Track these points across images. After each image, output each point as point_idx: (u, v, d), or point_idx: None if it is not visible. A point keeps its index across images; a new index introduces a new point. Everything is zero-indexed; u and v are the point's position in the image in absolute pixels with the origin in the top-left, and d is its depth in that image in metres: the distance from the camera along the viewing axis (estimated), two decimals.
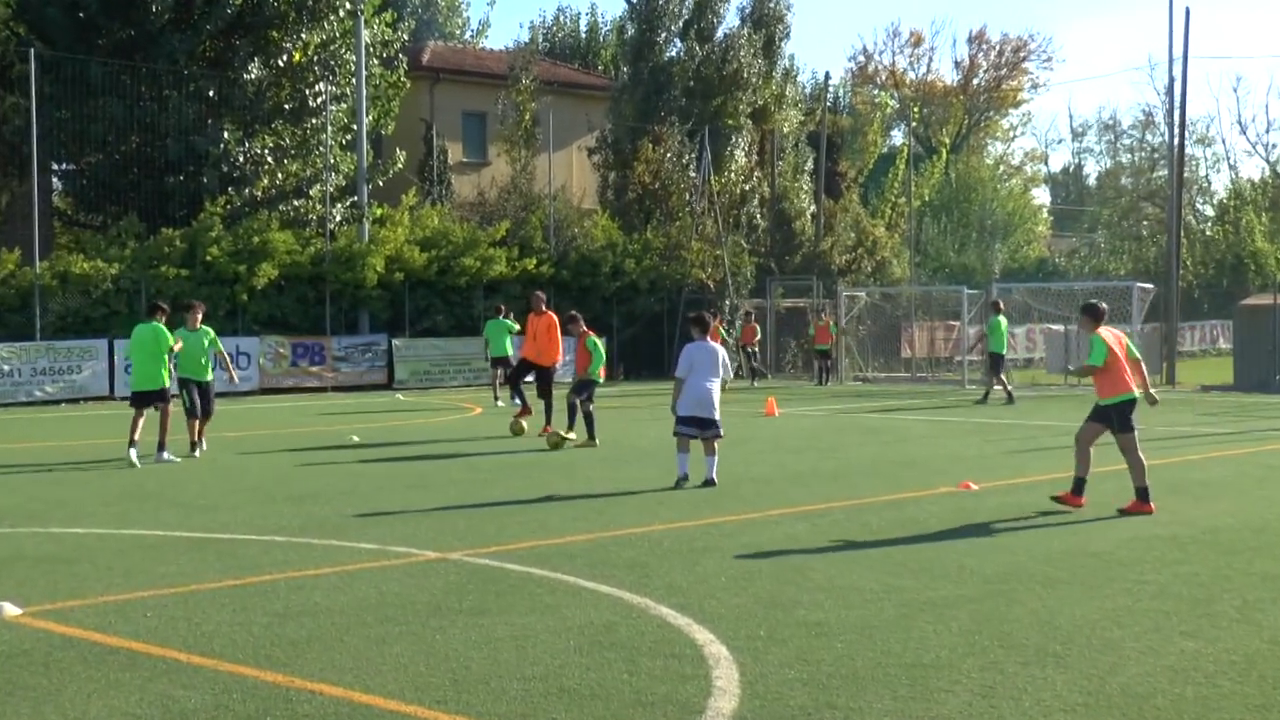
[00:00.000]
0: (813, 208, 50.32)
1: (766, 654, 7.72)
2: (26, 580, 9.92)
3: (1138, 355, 13.87)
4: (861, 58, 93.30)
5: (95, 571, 10.30)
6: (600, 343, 20.77)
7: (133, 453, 18.19)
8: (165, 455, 18.55)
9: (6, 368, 31.51)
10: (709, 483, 15.31)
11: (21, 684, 7.11)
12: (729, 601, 9.11)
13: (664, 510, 13.53)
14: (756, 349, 40.07)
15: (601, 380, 20.65)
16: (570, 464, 17.90)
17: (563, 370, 29.60)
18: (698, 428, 15.45)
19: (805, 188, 50.97)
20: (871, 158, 65.54)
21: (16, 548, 11.43)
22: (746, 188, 48.31)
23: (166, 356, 18.81)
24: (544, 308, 22.55)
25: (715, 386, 15.62)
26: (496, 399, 30.24)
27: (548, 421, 21.43)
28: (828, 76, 72.44)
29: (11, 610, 8.68)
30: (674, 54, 48.23)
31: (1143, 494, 13.36)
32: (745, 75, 48.13)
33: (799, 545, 11.49)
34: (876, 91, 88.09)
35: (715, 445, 15.56)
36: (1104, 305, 14.07)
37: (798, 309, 45.20)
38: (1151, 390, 14.02)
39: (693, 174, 45.75)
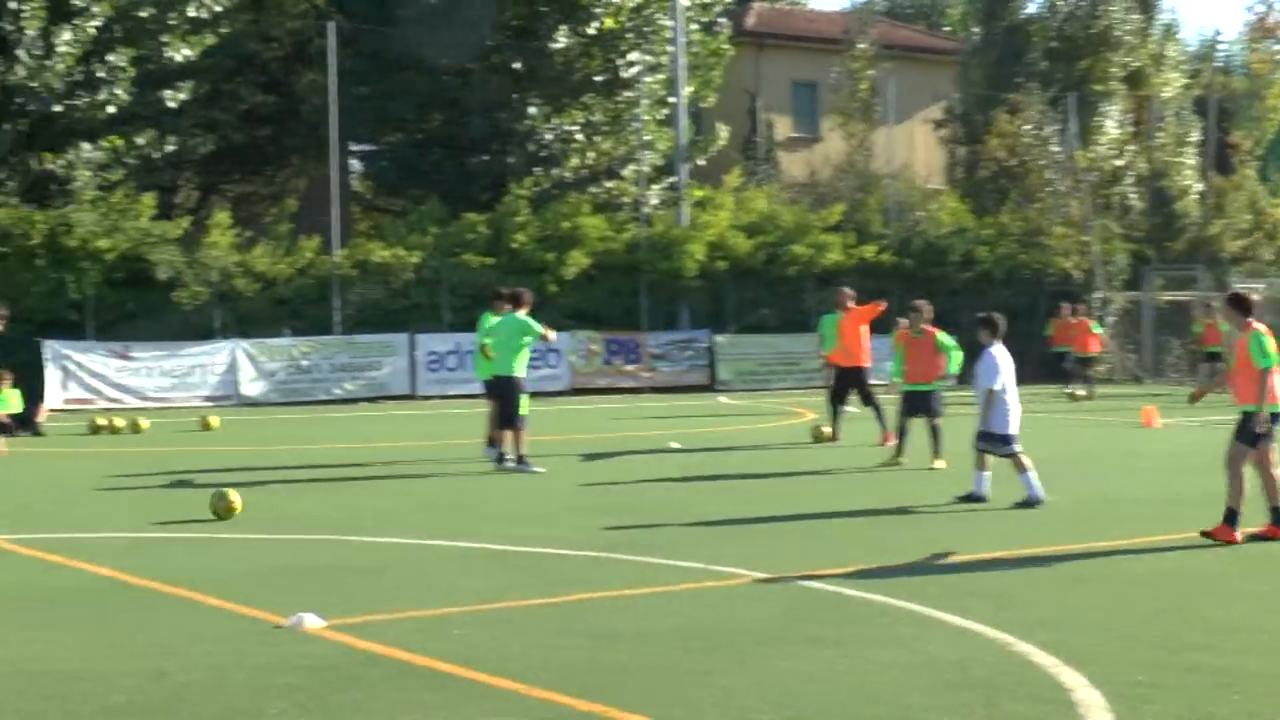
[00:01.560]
0: (1199, 185, 48.46)
1: (1148, 703, 7.45)
2: (329, 591, 10.39)
3: None
4: (1260, 8, 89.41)
5: (399, 584, 10.71)
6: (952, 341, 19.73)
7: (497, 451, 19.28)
8: (492, 451, 19.36)
9: (305, 363, 33.15)
10: (976, 498, 15.11)
11: (325, 701, 7.44)
12: (1104, 640, 8.83)
13: (1025, 532, 13.24)
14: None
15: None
16: (915, 479, 17.70)
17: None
18: (1013, 444, 15.23)
19: (1190, 162, 49.11)
20: (1272, 126, 62.62)
21: (318, 557, 11.99)
22: (1119, 163, 46.85)
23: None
24: (850, 304, 22.60)
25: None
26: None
27: (885, 428, 21.51)
28: (1218, 32, 69.75)
29: (314, 622, 9.10)
30: (1033, 10, 47.20)
31: (1277, 515, 12.75)
32: (1117, 33, 46.72)
33: (1188, 577, 11.06)
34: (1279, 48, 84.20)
35: (989, 461, 15.39)
36: (1255, 295, 13.23)
37: (1180, 303, 43.56)
38: None
39: (1055, 148, 44.62)
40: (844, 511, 14.73)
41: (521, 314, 19.02)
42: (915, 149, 49.44)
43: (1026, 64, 45.84)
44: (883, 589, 10.37)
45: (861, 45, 45.38)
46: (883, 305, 23.09)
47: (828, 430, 22.39)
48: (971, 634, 8.98)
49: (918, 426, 19.02)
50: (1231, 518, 12.73)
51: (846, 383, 22.43)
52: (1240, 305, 13.22)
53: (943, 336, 19.03)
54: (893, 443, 20.37)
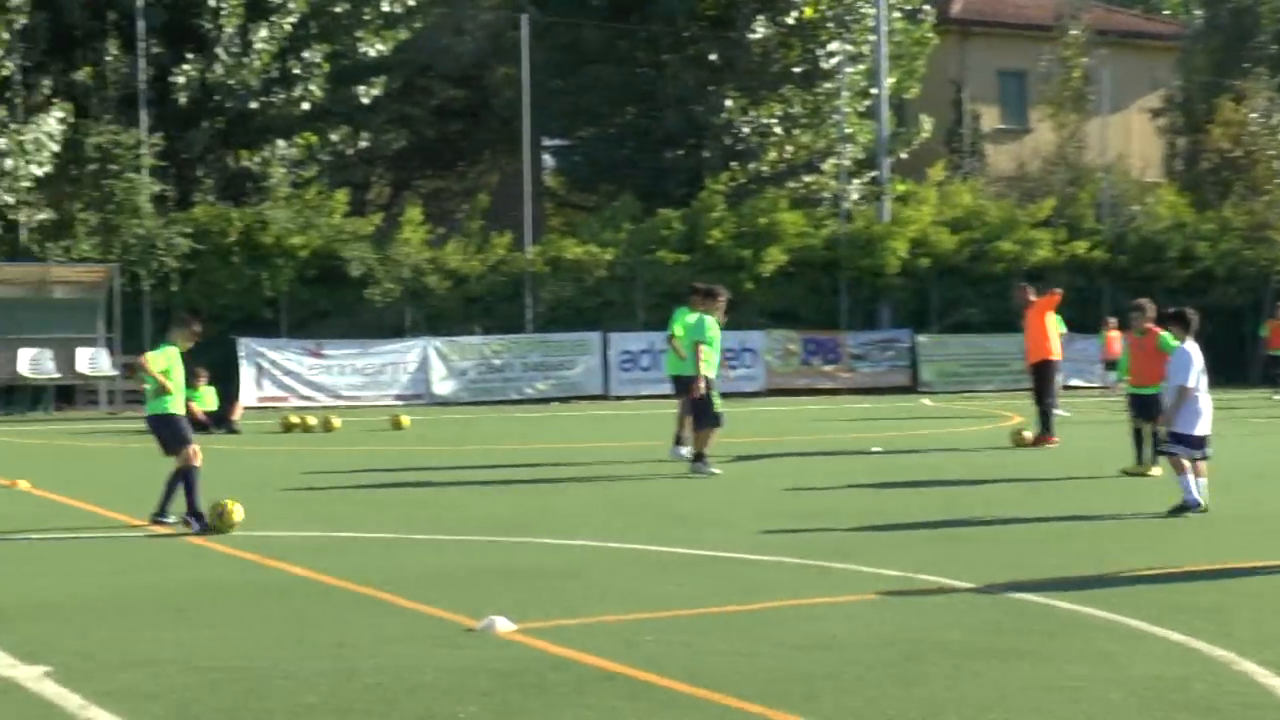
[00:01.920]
0: None
1: None
2: (518, 595, 10.51)
3: None
4: None
5: (589, 588, 10.81)
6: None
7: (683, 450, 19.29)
8: (678, 449, 19.44)
9: (497, 362, 33.63)
10: (1190, 506, 14.70)
11: (515, 707, 7.53)
12: None
13: (1244, 544, 12.89)
14: None
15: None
16: (1134, 487, 17.36)
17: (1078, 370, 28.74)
18: (1200, 448, 14.90)
19: None
20: None
21: (508, 559, 12.15)
22: None
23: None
24: (1031, 298, 22.79)
25: None
26: None
27: (1047, 430, 21.91)
28: None
29: (504, 626, 9.22)
30: None
31: None
32: None
33: None
34: None
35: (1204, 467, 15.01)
36: None
37: None
38: None
39: None
40: (1051, 518, 14.50)
41: (711, 314, 18.90)
42: (1131, 139, 48.47)
43: (1254, 48, 44.73)
44: (1091, 600, 10.18)
45: (1074, 31, 44.60)
46: (1058, 293, 23.20)
47: (1029, 435, 22.13)
48: (1189, 650, 8.77)
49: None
50: None
51: (1039, 378, 22.31)
52: None
53: (1166, 336, 18.50)
54: (1054, 444, 21.35)
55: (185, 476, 14.03)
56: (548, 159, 44.76)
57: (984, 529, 13.84)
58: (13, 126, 29.97)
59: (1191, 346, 15.07)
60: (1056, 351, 22.45)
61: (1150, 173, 46.63)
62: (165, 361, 14.34)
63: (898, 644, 8.92)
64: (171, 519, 13.98)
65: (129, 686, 7.89)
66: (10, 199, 30.18)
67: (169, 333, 15.07)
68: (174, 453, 14.19)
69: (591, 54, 38.13)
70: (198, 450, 14.23)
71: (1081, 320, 37.23)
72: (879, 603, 10.23)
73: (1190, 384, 14.83)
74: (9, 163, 29.53)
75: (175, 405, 14.40)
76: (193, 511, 13.87)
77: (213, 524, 13.65)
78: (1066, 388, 29.72)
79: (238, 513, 13.76)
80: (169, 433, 14.28)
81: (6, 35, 30.03)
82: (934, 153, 43.02)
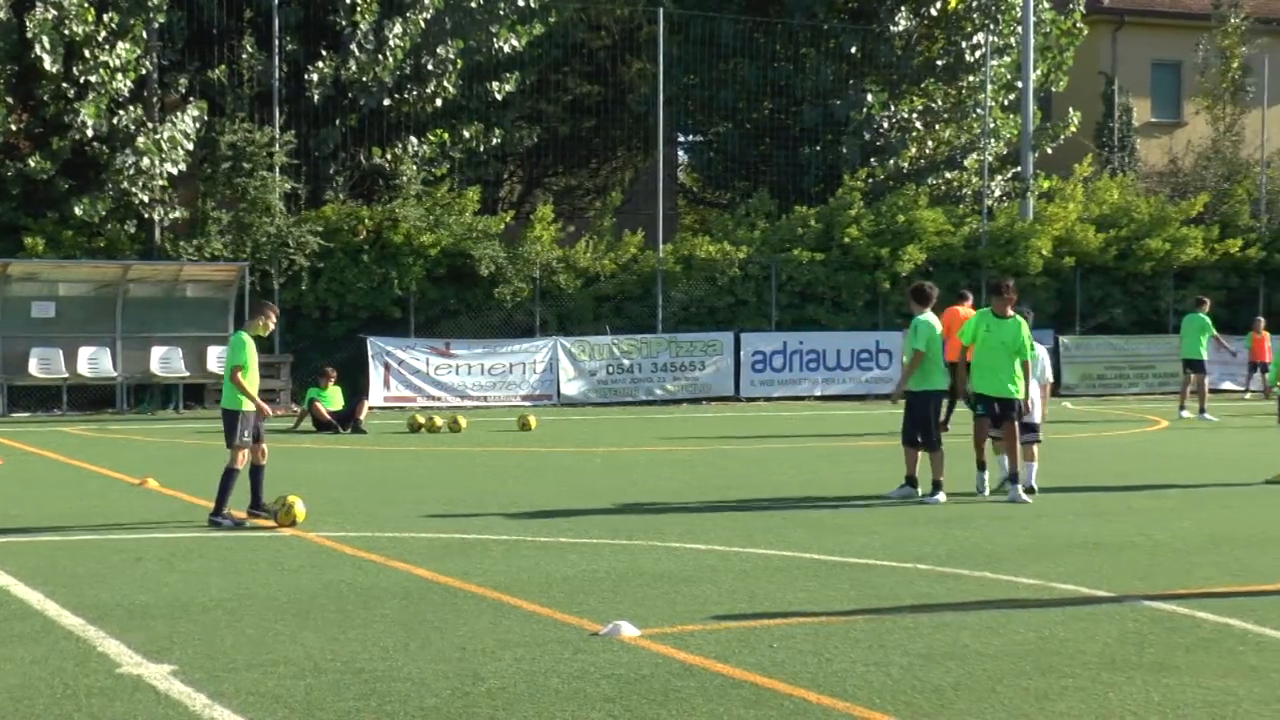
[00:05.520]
0: None
1: None
2: (644, 599, 10.57)
3: None
4: None
5: (717, 594, 10.83)
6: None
7: (984, 478, 16.85)
8: (1017, 489, 16.37)
9: (627, 362, 33.73)
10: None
11: (639, 714, 7.58)
12: None
13: None
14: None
15: None
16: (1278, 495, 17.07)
17: None
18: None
19: None
20: None
21: (633, 562, 12.20)
22: None
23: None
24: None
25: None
26: (1182, 409, 29.47)
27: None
28: None
29: (629, 631, 9.28)
30: None
31: None
32: None
33: None
34: None
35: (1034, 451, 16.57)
36: None
37: None
38: None
39: None
40: (1197, 527, 14.28)
41: (926, 315, 16.82)
42: None
43: None
44: (1239, 612, 10.02)
45: (1233, 20, 43.88)
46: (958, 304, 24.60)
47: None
48: None
49: None
50: None
51: None
52: None
53: None
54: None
55: (228, 476, 14.43)
56: (682, 155, 44.83)
57: (1124, 537, 13.66)
58: (149, 125, 30.55)
59: None
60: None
61: None
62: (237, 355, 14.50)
63: (1033, 655, 8.85)
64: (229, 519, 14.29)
65: (252, 687, 8.06)
66: (145, 197, 30.76)
67: (247, 322, 14.94)
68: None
69: (727, 48, 38.15)
70: (245, 456, 14.61)
71: (1234, 322, 36.64)
72: (1013, 612, 10.15)
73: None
74: (145, 161, 30.09)
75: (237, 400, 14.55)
76: (219, 512, 14.29)
77: (278, 520, 14.09)
78: (1214, 391, 29.18)
79: (299, 508, 14.16)
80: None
81: (145, 34, 30.61)
82: (1081, 148, 42.47)
